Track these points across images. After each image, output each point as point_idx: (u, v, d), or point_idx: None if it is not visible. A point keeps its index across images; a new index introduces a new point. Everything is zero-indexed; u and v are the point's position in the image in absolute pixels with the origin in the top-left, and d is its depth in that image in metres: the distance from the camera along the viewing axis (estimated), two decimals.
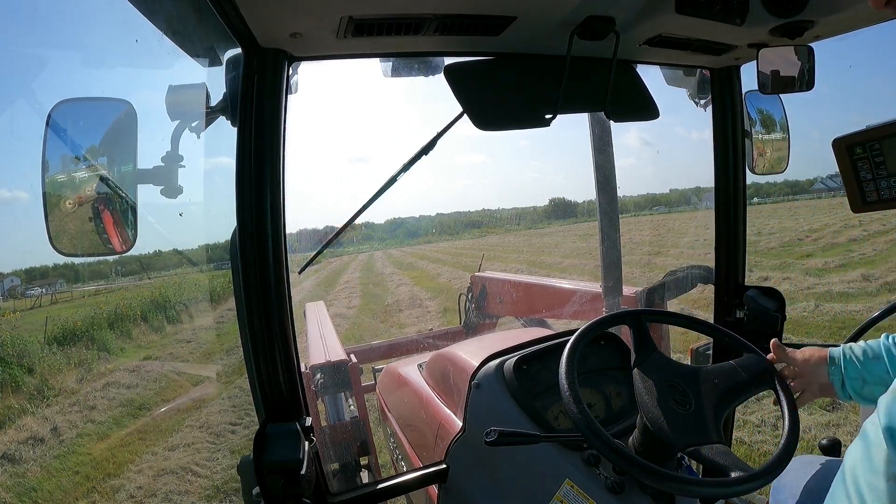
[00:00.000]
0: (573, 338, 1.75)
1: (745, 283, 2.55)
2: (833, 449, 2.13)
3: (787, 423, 1.63)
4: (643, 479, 1.55)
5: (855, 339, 2.34)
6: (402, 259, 47.16)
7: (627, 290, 3.33)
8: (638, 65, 2.17)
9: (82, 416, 10.88)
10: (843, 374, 1.64)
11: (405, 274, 31.81)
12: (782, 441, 1.59)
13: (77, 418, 10.73)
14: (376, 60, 1.91)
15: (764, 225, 37.59)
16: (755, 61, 2.07)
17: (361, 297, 23.11)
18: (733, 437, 2.94)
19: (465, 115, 1.86)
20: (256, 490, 1.62)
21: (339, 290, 26.69)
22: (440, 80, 1.88)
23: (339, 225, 2.30)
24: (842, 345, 1.71)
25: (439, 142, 2.05)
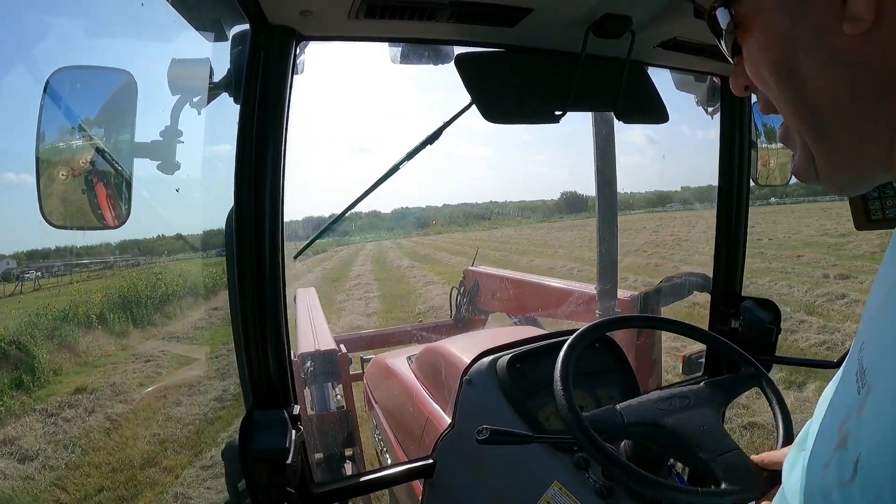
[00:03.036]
0: (571, 338, 1.74)
1: (743, 294, 2.54)
2: None
3: (781, 433, 1.63)
4: (634, 486, 1.54)
5: (844, 359, 2.32)
6: (416, 250, 43.98)
7: (623, 294, 3.32)
8: (649, 67, 2.15)
9: None
10: None
11: (428, 269, 27.60)
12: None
13: None
14: (383, 46, 1.88)
15: (821, 226, 34.35)
16: None
17: (382, 300, 18.79)
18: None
19: (474, 105, 1.83)
20: (242, 484, 1.60)
21: (350, 288, 22.34)
22: (446, 70, 1.86)
23: (337, 212, 2.27)
24: None
25: (444, 132, 2.04)
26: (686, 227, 40.84)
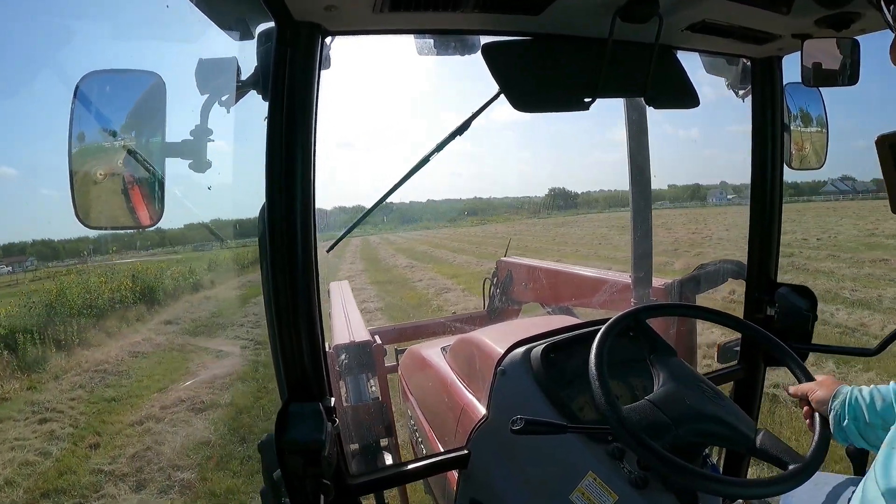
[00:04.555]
0: (605, 328, 1.73)
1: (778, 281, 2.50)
2: (860, 456, 2.08)
3: (818, 424, 1.61)
4: (677, 478, 1.53)
5: (883, 347, 2.28)
6: (410, 247, 39.48)
7: (657, 282, 3.28)
8: (678, 51, 2.12)
9: None
10: (843, 411, 1.62)
11: (433, 269, 22.87)
12: (813, 444, 1.57)
13: None
14: (409, 38, 1.88)
15: (854, 225, 32.34)
16: (797, 53, 2.02)
17: (388, 314, 13.40)
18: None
19: (502, 95, 1.82)
20: (277, 472, 1.62)
21: None
22: (467, 62, 1.85)
23: (347, 205, 2.26)
24: (849, 387, 1.68)
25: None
26: (698, 223, 39.03)
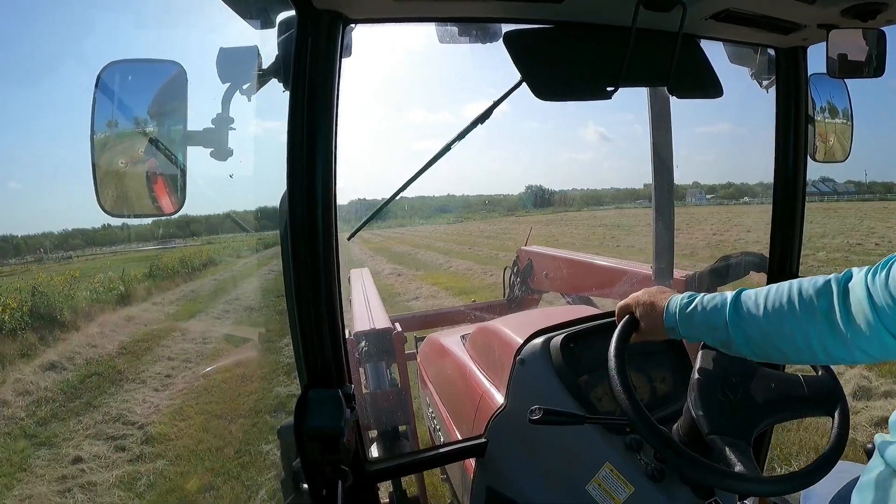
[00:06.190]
0: (624, 321, 1.73)
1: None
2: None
3: (835, 427, 1.59)
4: (692, 473, 1.53)
5: None
6: (387, 246, 34.97)
7: (678, 274, 3.26)
8: (701, 40, 2.10)
9: None
10: (677, 324, 1.58)
11: (427, 279, 18.29)
12: (829, 445, 1.55)
13: None
14: (430, 26, 1.87)
15: (883, 226, 31.05)
16: (822, 43, 1.99)
17: None
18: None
19: (525, 83, 1.81)
20: (297, 462, 1.63)
21: None
22: (482, 51, 1.84)
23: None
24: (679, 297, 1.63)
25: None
26: (695, 223, 37.99)
